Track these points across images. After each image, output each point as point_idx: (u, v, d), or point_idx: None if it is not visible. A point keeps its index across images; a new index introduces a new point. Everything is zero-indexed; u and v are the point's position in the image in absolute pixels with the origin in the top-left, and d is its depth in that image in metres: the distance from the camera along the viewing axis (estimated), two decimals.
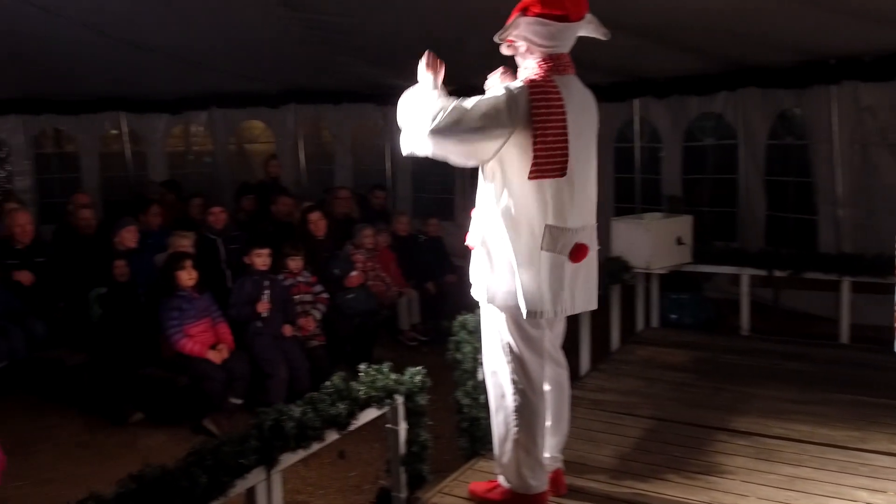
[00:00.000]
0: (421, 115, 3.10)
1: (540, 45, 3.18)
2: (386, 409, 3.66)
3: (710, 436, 4.41)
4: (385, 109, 11.97)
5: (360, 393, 3.49)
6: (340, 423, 3.36)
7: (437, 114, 3.07)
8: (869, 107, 7.61)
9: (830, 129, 7.94)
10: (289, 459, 3.17)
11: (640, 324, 6.69)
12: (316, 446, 3.27)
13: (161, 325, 5.83)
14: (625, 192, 10.14)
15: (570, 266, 3.24)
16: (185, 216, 8.62)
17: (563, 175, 3.15)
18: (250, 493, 3.03)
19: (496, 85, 3.33)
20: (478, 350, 4.22)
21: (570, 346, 6.26)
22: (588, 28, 3.28)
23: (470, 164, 3.28)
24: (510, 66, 3.42)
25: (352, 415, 3.42)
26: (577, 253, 3.23)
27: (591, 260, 3.40)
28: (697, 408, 4.85)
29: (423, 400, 3.81)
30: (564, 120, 3.13)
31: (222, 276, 7.09)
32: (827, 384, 5.20)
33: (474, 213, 3.42)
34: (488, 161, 3.22)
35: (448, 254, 9.05)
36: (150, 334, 6.00)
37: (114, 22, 8.30)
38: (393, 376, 3.68)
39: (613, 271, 6.04)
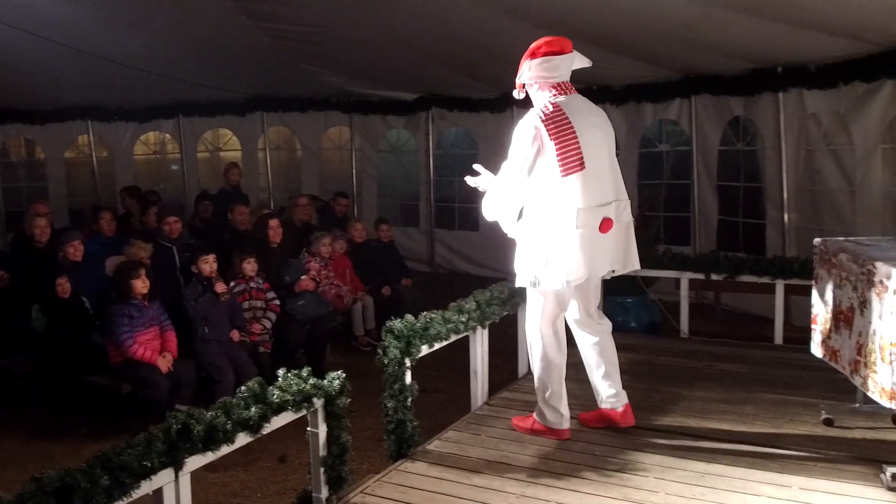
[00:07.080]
0: (499, 204, 4.27)
1: (549, 79, 4.18)
2: (304, 412, 3.76)
3: (633, 435, 4.53)
4: (351, 117, 12.14)
5: (274, 397, 3.59)
6: (252, 427, 3.45)
7: (506, 198, 4.23)
8: (814, 113, 7.78)
9: (778, 135, 8.11)
10: (198, 462, 3.25)
11: None
12: (226, 449, 3.35)
13: (110, 332, 5.90)
14: None
15: (598, 237, 4.14)
16: (142, 225, 8.70)
17: (583, 168, 4.07)
18: (158, 495, 3.13)
19: (524, 121, 4.18)
20: (403, 354, 4.40)
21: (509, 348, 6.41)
22: (577, 60, 4.26)
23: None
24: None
25: (264, 418, 3.51)
26: (604, 225, 4.14)
27: (619, 230, 4.27)
28: None
29: (342, 403, 3.91)
30: (573, 130, 4.08)
31: (178, 283, 7.16)
32: (753, 384, 5.32)
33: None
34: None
35: (402, 258, 9.16)
36: (97, 342, 6.07)
37: (81, 35, 8.41)
38: (311, 381, 3.78)
39: None
